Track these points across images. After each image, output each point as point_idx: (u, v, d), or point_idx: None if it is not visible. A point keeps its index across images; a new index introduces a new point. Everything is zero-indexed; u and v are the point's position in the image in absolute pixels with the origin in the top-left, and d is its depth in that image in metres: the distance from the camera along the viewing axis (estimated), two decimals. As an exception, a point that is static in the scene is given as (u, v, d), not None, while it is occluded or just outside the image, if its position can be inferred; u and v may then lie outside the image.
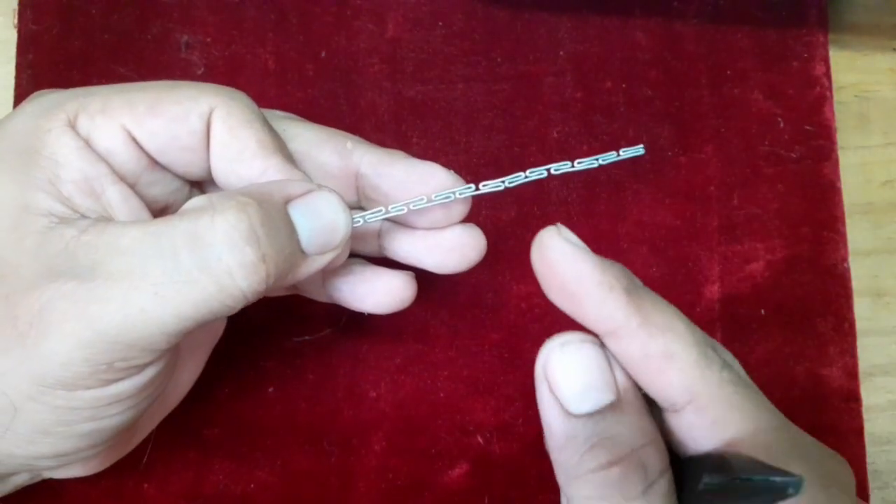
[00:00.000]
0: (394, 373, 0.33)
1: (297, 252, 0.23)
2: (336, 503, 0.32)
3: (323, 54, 0.35)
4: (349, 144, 0.26)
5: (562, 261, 0.20)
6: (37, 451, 0.23)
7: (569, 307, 0.21)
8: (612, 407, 0.20)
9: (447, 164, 0.34)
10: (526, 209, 0.34)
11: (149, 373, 0.23)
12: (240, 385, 0.33)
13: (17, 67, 0.34)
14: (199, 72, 0.34)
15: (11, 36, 0.34)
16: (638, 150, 0.24)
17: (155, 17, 0.34)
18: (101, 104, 0.23)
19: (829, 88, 0.35)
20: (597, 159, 0.24)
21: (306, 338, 0.33)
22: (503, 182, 0.25)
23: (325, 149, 0.26)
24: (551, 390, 0.21)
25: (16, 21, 0.34)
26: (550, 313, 0.33)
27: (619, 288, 0.20)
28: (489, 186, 0.25)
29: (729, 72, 0.35)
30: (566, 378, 0.20)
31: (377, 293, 0.27)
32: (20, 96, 0.34)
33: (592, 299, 0.20)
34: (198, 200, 0.22)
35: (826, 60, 0.35)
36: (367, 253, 0.28)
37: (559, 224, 0.21)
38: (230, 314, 0.22)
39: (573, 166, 0.24)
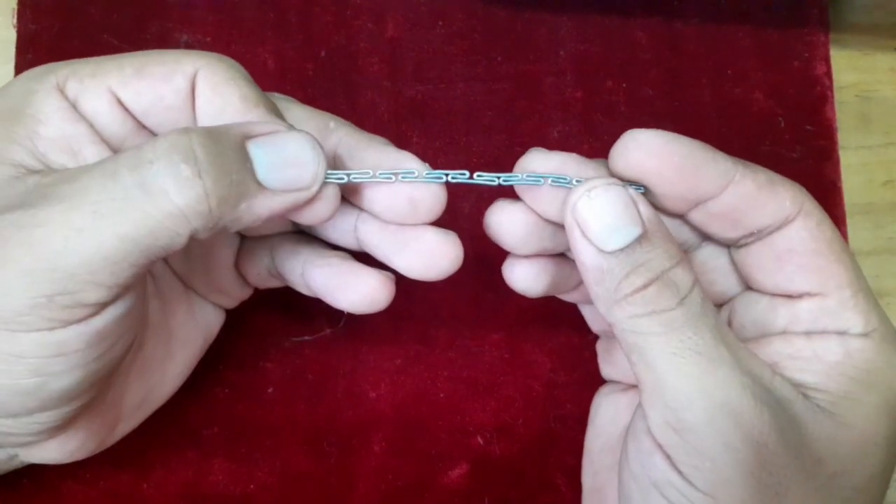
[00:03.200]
0: (394, 373, 0.33)
1: (250, 181, 0.22)
2: (336, 504, 0.32)
3: (323, 54, 0.35)
4: (332, 124, 0.26)
5: (669, 146, 0.23)
6: None
7: (688, 180, 0.23)
8: (641, 238, 0.22)
9: (447, 164, 0.34)
10: (526, 209, 0.34)
11: (94, 323, 0.22)
12: (240, 385, 0.32)
13: (17, 67, 0.34)
14: (199, 71, 0.34)
15: (11, 36, 0.34)
16: (639, 188, 0.24)
17: (154, 17, 0.34)
18: (93, 69, 0.24)
19: (830, 88, 0.35)
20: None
21: (306, 338, 0.33)
22: (498, 178, 0.24)
23: (306, 126, 0.25)
24: (583, 233, 0.22)
25: (15, 21, 0.34)
26: (550, 313, 0.34)
27: (715, 149, 0.23)
28: (483, 178, 0.24)
29: (730, 71, 0.35)
30: (596, 220, 0.22)
31: (351, 291, 0.26)
32: (19, 96, 0.34)
33: (707, 163, 0.23)
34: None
35: (827, 60, 0.35)
36: (346, 245, 0.27)
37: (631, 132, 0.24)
38: (179, 243, 0.22)
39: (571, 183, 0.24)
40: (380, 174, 0.24)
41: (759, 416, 0.21)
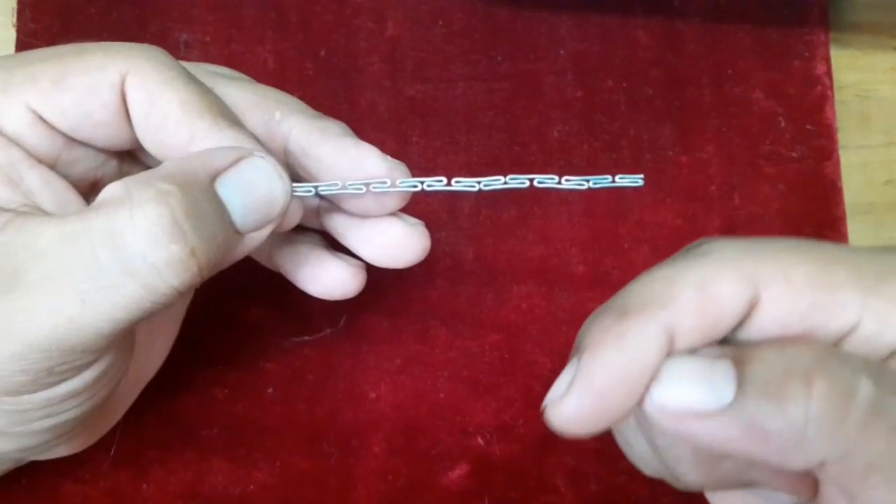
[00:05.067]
0: (394, 373, 0.33)
1: (232, 235, 0.21)
2: (335, 504, 0.32)
3: (322, 53, 0.34)
4: (277, 114, 0.24)
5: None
6: (1, 448, 0.23)
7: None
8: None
9: (447, 164, 0.34)
10: (526, 209, 0.34)
11: (97, 368, 0.22)
12: (239, 385, 0.32)
13: (16, 66, 0.34)
14: (198, 71, 0.34)
15: (10, 35, 0.34)
16: (636, 180, 0.22)
17: (154, 16, 0.34)
18: (3, 82, 0.21)
19: (831, 88, 0.35)
20: (587, 180, 0.22)
21: (306, 338, 0.33)
22: (478, 182, 0.23)
23: (250, 117, 0.23)
24: (690, 414, 0.16)
25: (14, 20, 0.34)
26: (550, 313, 0.33)
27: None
28: (462, 184, 0.23)
29: (730, 71, 0.35)
30: (689, 390, 0.16)
31: (319, 282, 0.25)
32: (18, 95, 0.34)
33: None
34: (114, 188, 0.20)
35: (827, 59, 0.35)
36: (311, 226, 0.26)
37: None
38: (169, 306, 0.21)
39: (559, 183, 0.22)
40: (349, 185, 0.23)
41: None
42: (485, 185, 0.22)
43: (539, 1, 0.35)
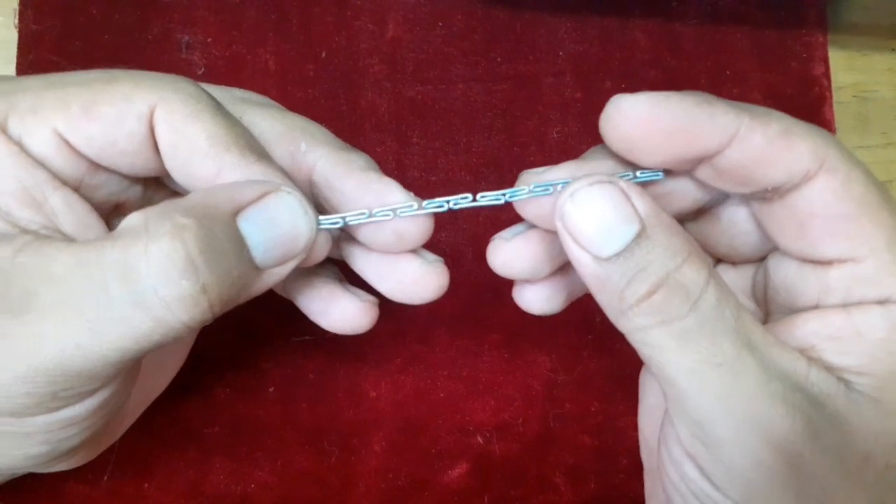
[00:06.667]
0: (394, 373, 0.33)
1: (250, 271, 0.21)
2: (336, 503, 0.32)
3: (323, 54, 0.35)
4: (303, 146, 0.24)
5: (654, 110, 0.20)
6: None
7: (681, 142, 0.21)
8: (639, 237, 0.20)
9: (447, 164, 0.34)
10: (526, 209, 0.34)
11: (100, 395, 0.22)
12: (240, 385, 0.33)
13: (18, 67, 0.34)
14: (200, 72, 0.34)
15: (12, 36, 0.34)
16: (657, 174, 0.22)
17: (156, 18, 0.34)
18: (32, 103, 0.21)
19: (829, 89, 0.35)
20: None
21: (307, 338, 0.33)
22: (503, 195, 0.23)
23: (276, 147, 0.23)
24: (576, 241, 0.20)
25: (16, 21, 0.34)
26: (550, 313, 0.34)
27: (716, 99, 0.20)
28: (488, 198, 0.23)
29: (728, 72, 0.35)
30: (586, 224, 0.20)
31: (330, 315, 0.25)
32: (21, 96, 0.34)
33: (703, 120, 0.20)
34: (133, 219, 0.20)
35: (825, 61, 0.35)
36: (330, 256, 0.26)
37: (619, 97, 0.21)
38: (179, 339, 0.21)
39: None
40: (377, 212, 0.22)
41: (791, 426, 0.19)
42: (510, 197, 0.22)
43: (538, 3, 0.35)
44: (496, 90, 0.35)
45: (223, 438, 0.32)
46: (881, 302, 0.20)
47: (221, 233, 0.20)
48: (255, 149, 0.22)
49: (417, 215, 0.23)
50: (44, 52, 0.34)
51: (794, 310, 0.22)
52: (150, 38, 0.34)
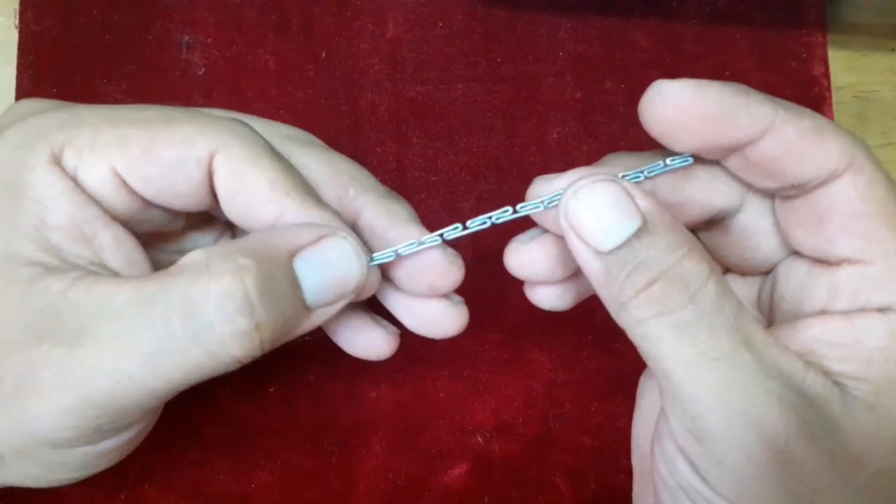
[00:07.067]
0: (394, 373, 0.33)
1: (301, 310, 0.22)
2: (336, 503, 0.32)
3: (323, 55, 0.35)
4: (351, 192, 0.25)
5: (696, 97, 0.21)
6: (23, 484, 0.23)
7: (719, 129, 0.21)
8: (639, 232, 0.20)
9: (447, 165, 0.34)
10: (526, 209, 0.34)
11: (137, 428, 0.23)
12: (240, 385, 0.33)
13: (19, 68, 0.34)
14: (200, 72, 0.34)
15: (13, 36, 0.34)
16: (686, 159, 0.23)
17: (156, 18, 0.34)
18: (90, 139, 0.22)
19: (828, 89, 0.35)
20: (642, 171, 0.23)
21: (307, 338, 0.33)
22: (542, 203, 0.23)
23: (325, 190, 0.24)
24: (578, 236, 0.21)
25: (17, 22, 0.34)
26: (550, 313, 0.34)
27: (753, 91, 0.21)
28: (526, 209, 0.23)
29: (728, 72, 0.35)
30: (588, 219, 0.21)
31: (357, 344, 0.26)
32: (21, 97, 0.34)
33: (741, 109, 0.21)
34: (195, 256, 0.21)
35: (825, 61, 0.35)
36: None
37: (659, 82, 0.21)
38: (225, 372, 0.21)
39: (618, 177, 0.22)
40: (426, 239, 0.23)
41: (784, 424, 0.20)
42: (548, 204, 0.23)
43: (538, 2, 0.35)
44: (496, 90, 0.35)
45: (223, 438, 0.32)
46: (882, 310, 0.21)
47: (278, 274, 0.21)
48: (312, 194, 0.23)
49: (453, 263, 0.24)
50: (44, 53, 0.34)
51: (798, 317, 0.22)
52: (150, 38, 0.34)
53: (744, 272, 0.25)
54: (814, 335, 0.21)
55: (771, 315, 0.24)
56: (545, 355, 0.33)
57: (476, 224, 0.23)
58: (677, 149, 0.22)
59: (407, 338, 0.33)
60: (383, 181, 0.34)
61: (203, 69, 0.34)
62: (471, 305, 0.34)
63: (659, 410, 0.25)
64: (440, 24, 0.35)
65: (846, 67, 0.36)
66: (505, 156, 0.34)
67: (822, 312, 0.22)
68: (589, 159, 0.34)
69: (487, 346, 0.33)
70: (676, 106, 0.21)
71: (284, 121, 0.32)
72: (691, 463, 0.21)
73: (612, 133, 0.34)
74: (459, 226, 0.23)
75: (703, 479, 0.21)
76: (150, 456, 0.32)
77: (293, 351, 0.33)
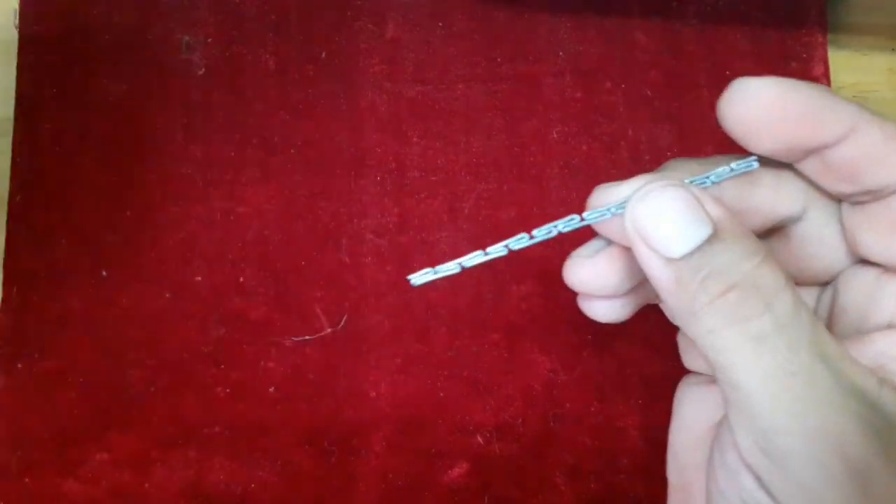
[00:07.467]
0: (394, 373, 0.33)
1: None
2: (336, 503, 0.32)
3: (323, 55, 0.35)
4: None
5: (782, 96, 0.20)
6: None
7: (803, 130, 0.20)
8: (711, 239, 0.19)
9: (447, 165, 0.34)
10: (526, 209, 0.34)
11: None
12: (240, 384, 0.33)
13: (19, 68, 0.34)
14: (200, 72, 0.34)
15: (12, 36, 0.34)
16: (750, 163, 0.22)
17: (156, 18, 0.34)
18: None
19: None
20: (707, 177, 0.22)
21: (307, 337, 0.33)
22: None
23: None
24: (646, 243, 0.20)
25: (17, 22, 0.34)
26: (550, 313, 0.34)
27: (834, 93, 0.20)
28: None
29: (728, 72, 0.35)
30: (657, 225, 0.20)
31: None
32: (21, 97, 0.34)
33: (826, 110, 0.20)
34: None
35: (825, 61, 0.35)
36: None
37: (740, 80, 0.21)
38: None
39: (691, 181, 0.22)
40: (491, 250, 0.23)
41: (865, 443, 0.18)
42: (615, 211, 0.22)
43: (538, 2, 0.35)
44: (496, 90, 0.35)
45: (223, 438, 0.32)
46: None
47: None
48: None
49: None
50: (44, 54, 0.34)
51: (861, 331, 0.22)
52: (151, 39, 0.34)
53: (801, 283, 0.24)
54: (881, 350, 0.20)
55: (832, 329, 0.23)
56: (545, 355, 0.33)
57: (542, 233, 0.22)
58: (758, 150, 0.21)
59: (407, 337, 0.33)
60: (383, 181, 0.34)
61: (203, 69, 0.34)
62: (471, 305, 0.34)
63: (703, 421, 0.24)
64: (440, 24, 0.35)
65: (846, 67, 0.36)
66: (505, 156, 0.34)
67: (890, 326, 0.21)
68: (589, 159, 0.34)
69: (487, 346, 0.33)
70: (762, 105, 0.20)
71: (284, 120, 0.32)
72: (758, 478, 0.20)
73: (613, 133, 0.35)
74: (525, 235, 0.23)
75: (771, 496, 0.20)
76: (150, 455, 0.32)
77: (293, 351, 0.33)
